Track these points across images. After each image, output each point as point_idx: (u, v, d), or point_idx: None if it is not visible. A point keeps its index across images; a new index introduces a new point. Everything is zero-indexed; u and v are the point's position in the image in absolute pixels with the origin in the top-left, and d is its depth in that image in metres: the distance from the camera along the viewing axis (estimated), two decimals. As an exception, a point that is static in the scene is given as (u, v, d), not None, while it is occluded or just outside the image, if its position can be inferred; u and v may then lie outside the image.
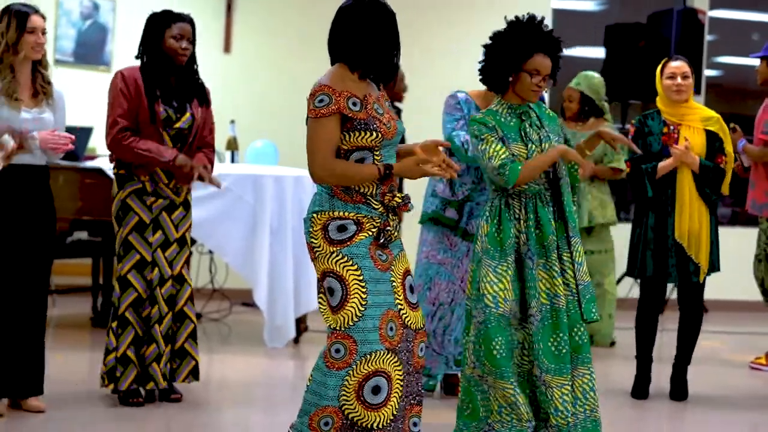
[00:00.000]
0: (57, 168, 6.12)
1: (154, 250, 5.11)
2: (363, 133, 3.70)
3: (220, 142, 7.58)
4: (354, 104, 3.71)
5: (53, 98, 4.92)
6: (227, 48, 9.20)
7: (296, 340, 7.03)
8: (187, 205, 5.22)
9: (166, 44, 5.04)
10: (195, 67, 5.19)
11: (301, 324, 7.15)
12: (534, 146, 4.30)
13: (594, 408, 4.31)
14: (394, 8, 3.83)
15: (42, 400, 4.93)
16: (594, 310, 4.29)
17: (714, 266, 5.70)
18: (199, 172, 5.06)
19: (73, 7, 8.74)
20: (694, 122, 5.65)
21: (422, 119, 7.79)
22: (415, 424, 3.85)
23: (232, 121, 7.55)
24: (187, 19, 5.11)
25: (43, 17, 4.87)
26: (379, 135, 3.72)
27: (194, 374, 5.26)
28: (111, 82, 5.08)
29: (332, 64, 3.84)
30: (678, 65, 5.68)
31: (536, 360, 4.23)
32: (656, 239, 5.64)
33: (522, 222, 4.28)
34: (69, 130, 5.06)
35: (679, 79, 5.65)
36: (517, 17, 4.32)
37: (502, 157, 4.24)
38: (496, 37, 4.35)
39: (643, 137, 5.71)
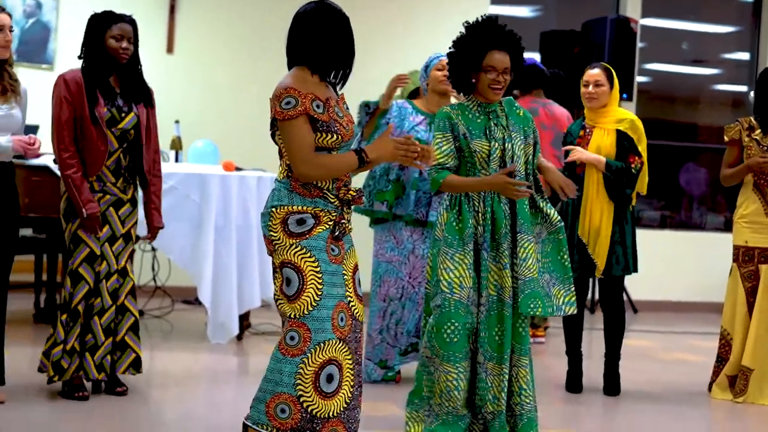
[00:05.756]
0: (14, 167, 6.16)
1: (102, 244, 5.17)
2: (324, 135, 3.82)
3: (164, 142, 7.68)
4: (318, 106, 3.82)
5: (20, 95, 5.01)
6: (170, 49, 9.23)
7: (239, 337, 7.13)
8: (134, 202, 5.30)
9: (107, 44, 5.11)
10: (138, 67, 5.26)
11: (244, 321, 7.25)
12: (497, 144, 4.44)
13: (531, 403, 4.46)
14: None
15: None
16: (532, 305, 4.38)
17: (629, 267, 5.87)
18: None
19: (16, 5, 8.74)
20: (607, 124, 5.86)
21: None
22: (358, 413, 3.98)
23: (177, 121, 7.63)
24: (128, 20, 5.17)
25: (9, 15, 4.94)
26: (339, 137, 3.85)
27: (135, 366, 5.32)
28: (54, 87, 5.14)
29: (289, 67, 3.94)
30: (592, 73, 5.87)
31: (481, 348, 4.41)
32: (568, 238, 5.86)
33: (480, 214, 4.44)
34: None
35: (590, 87, 5.85)
36: (474, 21, 4.50)
37: (439, 160, 4.45)
38: (456, 42, 4.53)
39: (566, 144, 5.96)
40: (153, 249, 8.02)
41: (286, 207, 3.84)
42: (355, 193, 3.89)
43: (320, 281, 3.80)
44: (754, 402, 5.92)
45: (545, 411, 5.39)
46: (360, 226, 6.69)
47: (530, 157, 4.55)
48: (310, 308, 3.78)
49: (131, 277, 5.31)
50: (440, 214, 4.53)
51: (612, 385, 5.99)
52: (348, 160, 3.85)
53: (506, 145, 4.45)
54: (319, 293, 3.79)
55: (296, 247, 3.81)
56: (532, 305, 4.40)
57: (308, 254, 3.80)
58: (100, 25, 5.13)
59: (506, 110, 4.54)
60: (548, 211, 4.52)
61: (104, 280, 5.17)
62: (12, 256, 5.04)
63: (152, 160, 5.35)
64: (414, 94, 6.31)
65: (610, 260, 5.80)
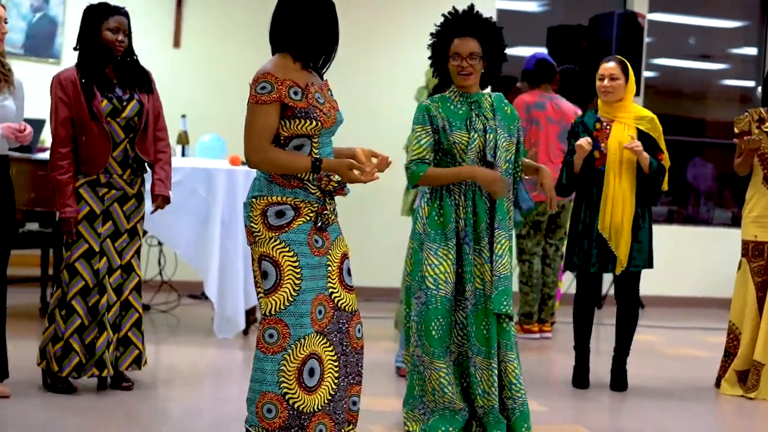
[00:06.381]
0: (9, 160, 6.15)
1: (103, 240, 5.15)
2: (303, 122, 3.77)
3: (170, 136, 7.67)
4: (295, 93, 3.77)
5: (14, 86, 5.00)
6: (177, 43, 9.23)
7: (245, 332, 7.13)
8: (140, 197, 5.28)
9: (102, 36, 5.10)
10: (134, 57, 5.25)
11: (250, 315, 7.24)
12: (476, 135, 4.43)
13: (522, 396, 4.45)
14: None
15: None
16: (504, 303, 4.36)
17: (645, 262, 5.85)
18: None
19: (23, 0, 8.75)
20: (626, 119, 5.82)
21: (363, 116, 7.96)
22: (354, 403, 3.95)
23: (183, 116, 7.62)
24: (123, 12, 5.18)
25: (4, 6, 4.94)
26: (319, 124, 3.79)
27: (137, 362, 5.31)
28: (50, 87, 5.14)
29: (273, 53, 3.90)
30: (607, 67, 5.82)
31: (469, 342, 4.41)
32: (585, 233, 5.83)
33: (461, 208, 4.43)
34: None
35: (606, 81, 5.81)
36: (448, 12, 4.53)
37: (414, 156, 4.44)
38: (431, 34, 4.57)
39: (577, 137, 5.88)
40: (159, 243, 8.02)
41: (265, 198, 3.79)
42: (336, 184, 3.83)
43: (298, 276, 3.75)
44: (766, 398, 5.90)
45: (551, 406, 5.40)
46: (391, 214, 6.66)
47: (512, 155, 4.52)
48: (287, 303, 3.74)
49: (137, 272, 5.29)
50: (421, 208, 4.52)
51: (619, 380, 5.97)
52: (300, 165, 3.76)
53: (488, 135, 4.43)
54: (297, 288, 3.75)
55: (275, 241, 3.76)
56: (505, 302, 4.38)
57: (287, 248, 3.76)
58: (96, 16, 5.13)
59: (495, 105, 4.52)
60: (511, 214, 4.50)
61: (107, 276, 5.15)
62: (8, 250, 5.03)
63: (158, 138, 5.33)
64: (439, 89, 6.28)
65: (631, 255, 5.77)
